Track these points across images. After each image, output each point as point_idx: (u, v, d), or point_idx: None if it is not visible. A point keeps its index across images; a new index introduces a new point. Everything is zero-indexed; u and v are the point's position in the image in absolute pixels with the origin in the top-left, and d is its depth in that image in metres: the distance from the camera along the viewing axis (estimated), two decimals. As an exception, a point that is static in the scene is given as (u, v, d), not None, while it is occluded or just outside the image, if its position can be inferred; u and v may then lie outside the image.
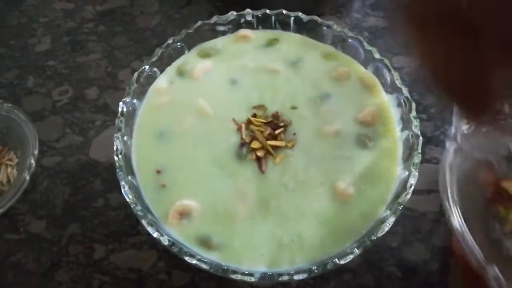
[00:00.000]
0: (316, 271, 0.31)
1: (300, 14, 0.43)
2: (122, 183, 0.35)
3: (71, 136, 0.49)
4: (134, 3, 0.58)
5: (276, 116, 0.40)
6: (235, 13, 0.43)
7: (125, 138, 0.38)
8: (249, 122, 0.39)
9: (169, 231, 0.35)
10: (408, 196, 0.34)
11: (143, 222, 0.33)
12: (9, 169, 0.46)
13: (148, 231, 0.34)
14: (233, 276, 0.31)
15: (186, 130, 0.39)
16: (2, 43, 0.56)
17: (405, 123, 0.38)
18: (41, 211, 0.45)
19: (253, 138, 0.38)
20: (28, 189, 0.46)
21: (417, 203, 0.44)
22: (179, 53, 0.43)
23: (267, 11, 0.43)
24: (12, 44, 0.56)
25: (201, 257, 0.32)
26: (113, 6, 0.58)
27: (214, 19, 0.43)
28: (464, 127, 0.33)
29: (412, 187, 0.34)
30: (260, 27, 0.44)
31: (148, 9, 0.57)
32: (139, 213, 0.33)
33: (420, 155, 0.35)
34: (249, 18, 0.43)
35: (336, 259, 0.32)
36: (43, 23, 0.57)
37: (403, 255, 0.42)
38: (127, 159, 0.37)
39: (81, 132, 0.49)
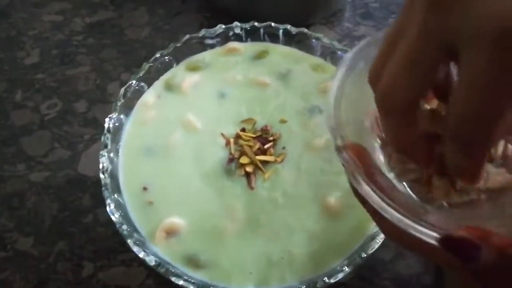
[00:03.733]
0: (305, 290, 0.31)
1: (288, 26, 0.43)
2: (108, 201, 0.34)
3: (60, 150, 0.48)
4: (124, 15, 0.58)
5: (265, 130, 0.39)
6: (223, 26, 0.43)
7: (111, 154, 0.37)
8: (237, 136, 0.39)
9: (156, 250, 0.34)
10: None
11: (129, 242, 0.33)
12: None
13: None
14: (221, 297, 0.31)
15: (173, 146, 0.39)
16: (-9, 56, 0.55)
17: (395, 136, 0.38)
18: (29, 228, 0.44)
19: (242, 153, 0.38)
20: (15, 206, 0.45)
21: (410, 215, 0.43)
22: (167, 66, 0.42)
23: (256, 23, 0.43)
24: (0, 57, 0.55)
25: (188, 277, 0.32)
26: (102, 18, 0.57)
27: (202, 32, 0.43)
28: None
29: (403, 202, 0.34)
30: (248, 39, 0.44)
31: (137, 21, 0.57)
32: (125, 232, 0.33)
33: (410, 169, 0.35)
34: (237, 31, 0.43)
35: (326, 278, 0.31)
36: (32, 36, 0.56)
37: (396, 268, 0.41)
38: (114, 176, 0.37)
39: (69, 146, 0.48)
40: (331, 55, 0.42)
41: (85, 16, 0.57)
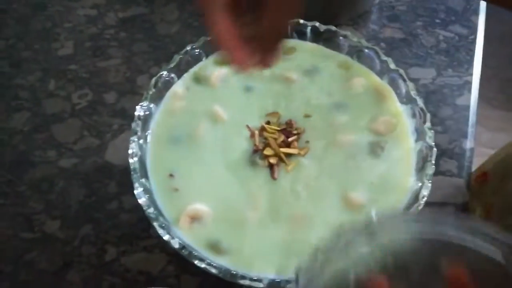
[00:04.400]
0: (325, 279, 0.31)
1: (317, 24, 0.43)
2: (136, 185, 0.35)
3: (89, 138, 0.50)
4: (155, 10, 0.59)
5: (289, 123, 0.40)
6: (252, 21, 0.44)
7: (141, 141, 0.38)
8: (262, 129, 0.40)
9: (180, 235, 0.35)
10: (420, 208, 0.34)
11: (155, 224, 0.34)
12: None
13: (159, 234, 0.34)
14: (242, 282, 0.31)
15: (200, 136, 0.40)
16: (28, 47, 0.57)
17: (419, 134, 0.38)
18: (56, 211, 0.46)
19: (266, 145, 0.39)
20: (44, 190, 0.47)
21: (431, 216, 0.43)
22: (197, 60, 0.44)
23: (284, 20, 0.44)
24: (36, 47, 0.57)
25: (211, 262, 0.33)
26: (135, 13, 0.59)
27: (232, 27, 0.43)
28: None
29: (425, 198, 0.34)
30: (276, 36, 0.44)
31: (168, 17, 0.58)
32: (151, 215, 0.34)
33: (433, 166, 0.35)
34: (266, 27, 0.44)
35: (346, 269, 0.31)
36: (66, 28, 0.58)
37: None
38: (142, 162, 0.38)
39: (98, 135, 0.50)
40: (358, 54, 0.43)
41: (118, 11, 0.59)
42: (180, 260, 0.41)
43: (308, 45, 0.44)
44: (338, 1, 0.53)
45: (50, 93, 0.53)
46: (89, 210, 0.45)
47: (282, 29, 0.30)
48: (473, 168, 0.48)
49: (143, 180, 0.36)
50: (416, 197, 0.34)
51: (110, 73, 0.54)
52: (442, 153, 0.46)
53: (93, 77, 0.54)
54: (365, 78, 0.42)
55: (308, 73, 0.43)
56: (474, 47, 0.54)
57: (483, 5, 0.57)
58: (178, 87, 0.42)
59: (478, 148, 0.52)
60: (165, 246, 0.43)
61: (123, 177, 0.47)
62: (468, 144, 0.47)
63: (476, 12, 0.56)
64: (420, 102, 0.38)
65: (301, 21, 0.44)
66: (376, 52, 0.42)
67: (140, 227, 0.44)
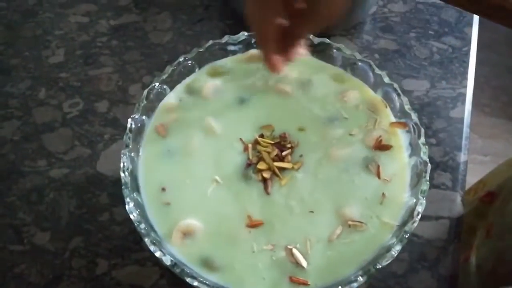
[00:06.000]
0: (318, 298, 0.31)
1: (310, 36, 0.43)
2: (127, 200, 0.35)
3: (80, 148, 0.49)
4: (148, 19, 0.59)
5: (283, 137, 0.39)
6: (246, 33, 0.43)
7: (132, 154, 0.38)
8: (256, 142, 0.39)
9: (172, 250, 0.35)
10: (415, 225, 0.33)
11: (146, 240, 0.33)
12: None
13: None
14: (234, 300, 0.31)
15: (193, 149, 0.39)
16: (17, 54, 0.56)
17: (414, 149, 0.38)
18: (46, 223, 0.45)
19: (260, 158, 0.38)
20: (34, 201, 0.46)
21: (425, 229, 0.43)
22: (190, 71, 0.43)
23: (278, 32, 0.43)
24: (26, 55, 0.56)
25: (203, 279, 0.32)
26: (127, 21, 0.58)
27: (225, 38, 0.43)
28: None
29: (419, 215, 0.34)
30: (270, 47, 0.44)
31: (161, 25, 0.58)
32: (142, 231, 0.33)
33: (428, 182, 0.35)
34: (260, 38, 0.43)
35: (340, 287, 0.31)
36: (57, 36, 0.58)
37: (408, 283, 0.41)
38: (133, 175, 0.37)
39: (89, 145, 0.49)
40: (351, 66, 0.43)
41: (110, 19, 0.59)
42: (173, 273, 0.41)
43: (302, 57, 0.44)
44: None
45: (41, 102, 0.53)
46: (79, 222, 0.45)
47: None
48: (469, 180, 0.48)
49: (134, 194, 0.36)
50: (411, 214, 0.34)
51: (101, 82, 0.54)
52: (436, 166, 0.46)
53: (84, 85, 0.54)
54: (359, 92, 0.42)
55: (302, 86, 0.43)
56: (468, 59, 0.54)
57: (476, 17, 0.57)
58: (171, 98, 0.42)
59: (471, 155, 0.52)
60: (157, 259, 0.42)
61: (115, 188, 0.46)
62: (462, 157, 0.47)
63: (469, 24, 0.57)
64: (414, 117, 0.38)
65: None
66: (370, 65, 0.41)
67: (132, 240, 0.44)
